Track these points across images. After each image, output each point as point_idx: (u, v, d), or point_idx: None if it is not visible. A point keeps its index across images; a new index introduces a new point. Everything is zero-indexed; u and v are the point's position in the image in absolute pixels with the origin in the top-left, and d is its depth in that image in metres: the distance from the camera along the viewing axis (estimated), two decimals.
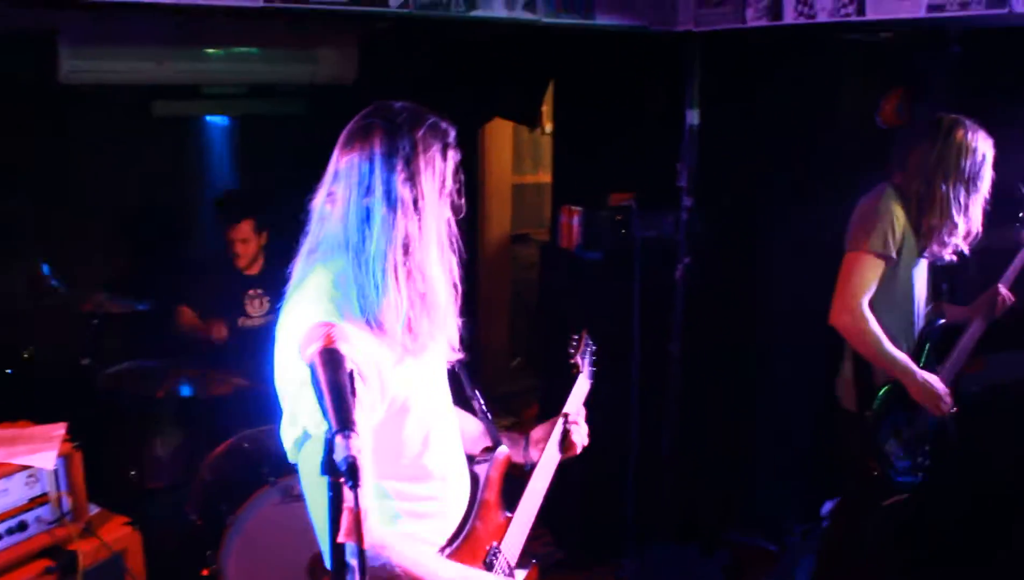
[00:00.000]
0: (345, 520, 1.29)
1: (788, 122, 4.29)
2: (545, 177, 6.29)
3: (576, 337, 2.57)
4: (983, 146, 3.16)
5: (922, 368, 3.26)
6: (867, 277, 3.17)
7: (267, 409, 4.06)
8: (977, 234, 3.21)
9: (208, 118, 5.00)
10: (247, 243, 4.35)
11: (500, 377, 6.38)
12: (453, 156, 1.89)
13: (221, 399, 4.11)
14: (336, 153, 1.87)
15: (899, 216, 3.19)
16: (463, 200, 1.93)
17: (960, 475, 3.59)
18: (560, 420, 2.33)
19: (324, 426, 1.37)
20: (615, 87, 4.60)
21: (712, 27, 3.86)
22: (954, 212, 3.15)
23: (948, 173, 3.13)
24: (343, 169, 1.83)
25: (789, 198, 4.40)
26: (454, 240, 1.92)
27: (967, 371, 3.50)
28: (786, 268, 4.48)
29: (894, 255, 3.18)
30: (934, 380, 3.24)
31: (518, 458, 2.28)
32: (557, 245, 4.52)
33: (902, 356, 3.21)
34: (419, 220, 1.81)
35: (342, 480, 1.31)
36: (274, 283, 4.56)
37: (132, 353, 4.21)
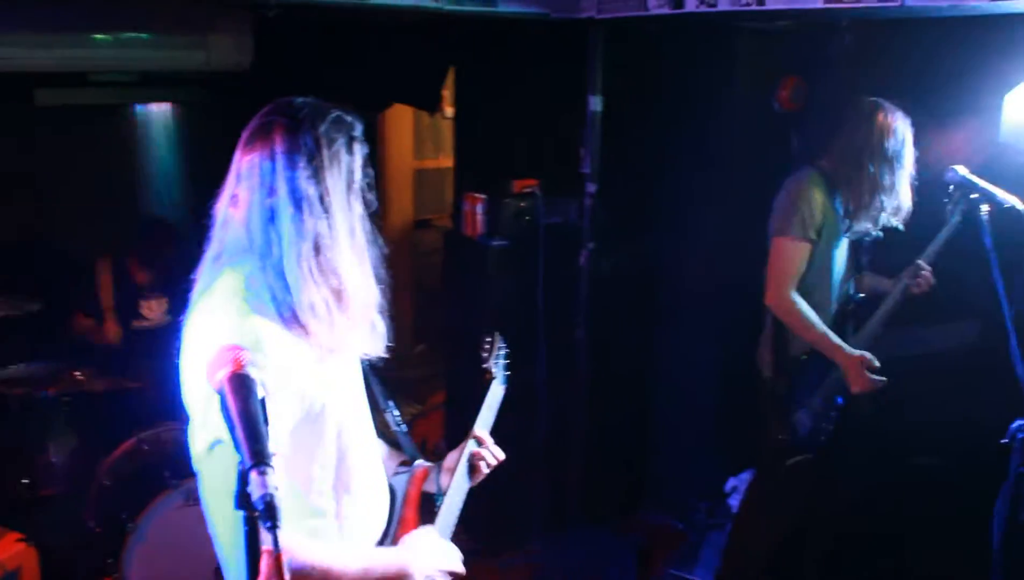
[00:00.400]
0: (265, 564, 1.24)
1: (689, 108, 4.35)
2: (447, 161, 6.24)
3: (488, 341, 2.51)
4: (902, 126, 3.29)
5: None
6: (791, 260, 3.33)
7: (166, 408, 3.95)
8: (908, 210, 3.34)
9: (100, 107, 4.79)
10: (149, 277, 4.25)
11: (403, 364, 6.33)
12: (360, 150, 1.83)
13: (117, 400, 3.97)
14: (237, 154, 1.80)
15: (818, 200, 3.31)
16: (373, 194, 1.88)
17: (865, 442, 3.70)
18: (468, 446, 2.25)
19: (237, 458, 1.31)
20: (517, 73, 4.57)
21: (614, 14, 3.86)
22: (883, 190, 3.28)
23: (874, 153, 3.26)
24: (245, 170, 1.77)
25: (690, 183, 4.46)
26: (369, 235, 1.86)
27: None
28: (688, 252, 4.56)
29: (814, 237, 3.32)
30: (865, 358, 3.33)
31: (430, 487, 2.20)
32: (461, 233, 4.49)
33: (825, 330, 3.33)
34: (328, 217, 1.75)
35: (257, 516, 1.26)
36: (172, 285, 4.41)
37: (20, 356, 4.02)
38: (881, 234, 3.41)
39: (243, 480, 1.29)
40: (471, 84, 5.11)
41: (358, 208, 1.83)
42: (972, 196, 3.16)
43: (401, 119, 6.28)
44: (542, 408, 4.35)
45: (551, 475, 4.43)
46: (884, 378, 3.33)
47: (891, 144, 3.26)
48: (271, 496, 1.24)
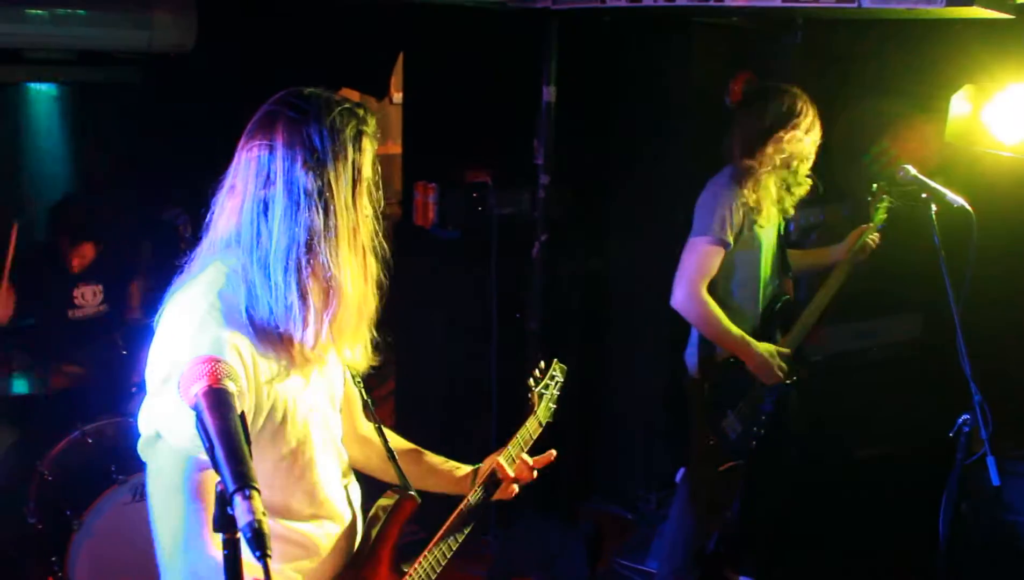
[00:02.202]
0: None
1: (644, 101, 4.36)
2: (395, 148, 6.15)
3: (544, 365, 2.31)
4: (806, 105, 3.28)
5: (766, 341, 3.37)
6: (706, 263, 3.28)
7: (108, 400, 3.83)
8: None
9: (34, 87, 4.60)
10: (84, 258, 4.09)
11: None
12: (370, 146, 1.76)
13: (59, 391, 3.85)
14: (240, 144, 1.74)
15: (740, 201, 3.28)
16: (381, 193, 1.80)
17: (793, 444, 3.75)
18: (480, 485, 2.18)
19: (218, 480, 1.24)
20: (471, 61, 4.53)
21: (571, 5, 3.84)
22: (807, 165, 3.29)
23: (785, 132, 3.23)
24: (243, 160, 1.71)
25: (644, 176, 4.48)
26: (374, 238, 1.78)
27: (810, 342, 3.68)
28: (641, 244, 4.58)
29: (731, 241, 3.28)
30: (770, 352, 3.36)
31: (463, 489, 2.16)
32: (412, 223, 4.45)
33: (738, 333, 3.32)
34: (324, 213, 1.66)
35: (237, 539, 1.21)
36: (106, 273, 4.26)
37: None
38: (823, 217, 3.44)
39: (224, 502, 1.22)
40: (422, 71, 5.04)
41: (365, 207, 1.75)
42: (923, 195, 3.23)
43: None
44: (493, 397, 4.35)
45: None
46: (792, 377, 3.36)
47: (800, 121, 3.24)
48: (259, 523, 1.18)
